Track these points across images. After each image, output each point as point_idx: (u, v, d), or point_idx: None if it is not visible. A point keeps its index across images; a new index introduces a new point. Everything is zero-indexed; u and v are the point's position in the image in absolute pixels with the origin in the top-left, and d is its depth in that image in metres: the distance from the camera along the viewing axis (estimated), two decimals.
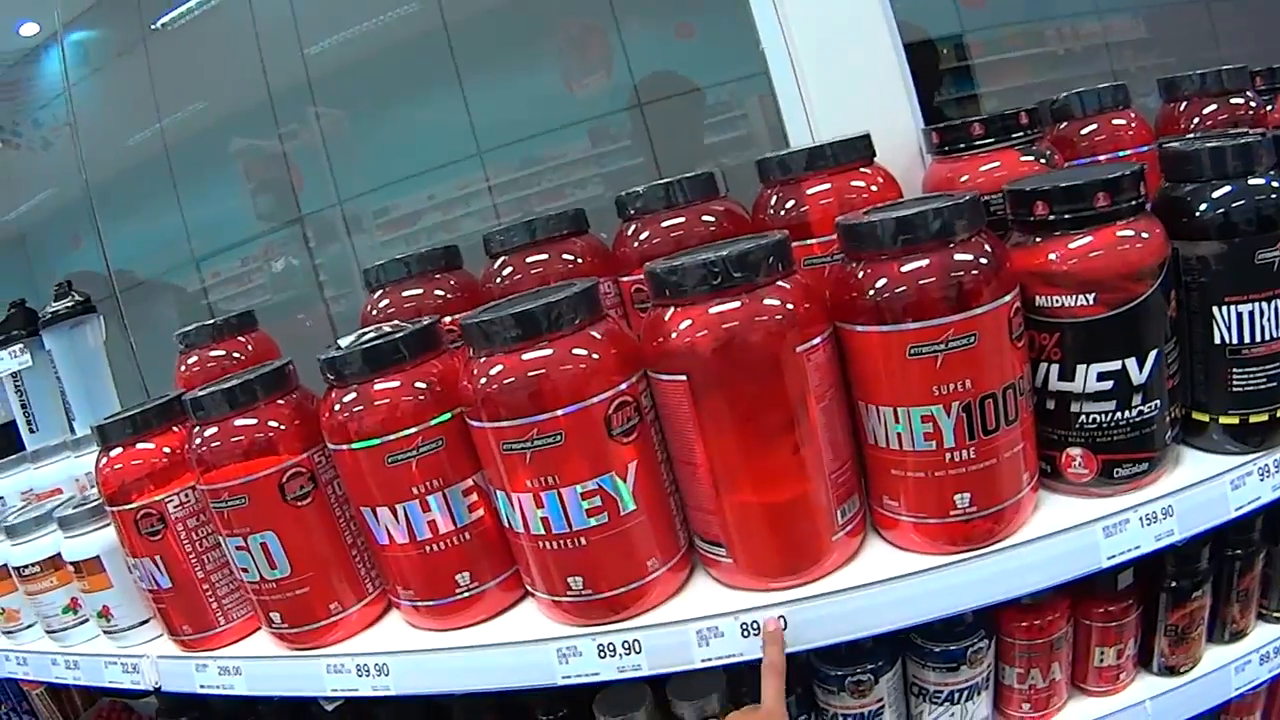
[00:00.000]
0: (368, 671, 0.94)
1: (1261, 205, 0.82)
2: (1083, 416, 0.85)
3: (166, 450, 1.05)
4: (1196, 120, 1.15)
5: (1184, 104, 1.17)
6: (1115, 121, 1.09)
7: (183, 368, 1.17)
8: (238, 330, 1.18)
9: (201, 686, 1.07)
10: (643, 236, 0.97)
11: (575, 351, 0.80)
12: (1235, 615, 1.02)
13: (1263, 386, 0.86)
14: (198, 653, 1.07)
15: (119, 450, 1.05)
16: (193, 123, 1.61)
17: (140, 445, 1.05)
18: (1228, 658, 1.01)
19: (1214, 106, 1.16)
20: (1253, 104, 1.16)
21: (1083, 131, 1.09)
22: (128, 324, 1.70)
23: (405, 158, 1.53)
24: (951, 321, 0.76)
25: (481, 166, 1.50)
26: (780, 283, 0.79)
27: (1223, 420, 0.89)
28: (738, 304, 0.77)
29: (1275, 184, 0.83)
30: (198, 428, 0.97)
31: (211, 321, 1.16)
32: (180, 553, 1.04)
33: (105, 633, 1.18)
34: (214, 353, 1.16)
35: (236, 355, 1.16)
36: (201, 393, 0.97)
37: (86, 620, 1.21)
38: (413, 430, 0.86)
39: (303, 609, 0.96)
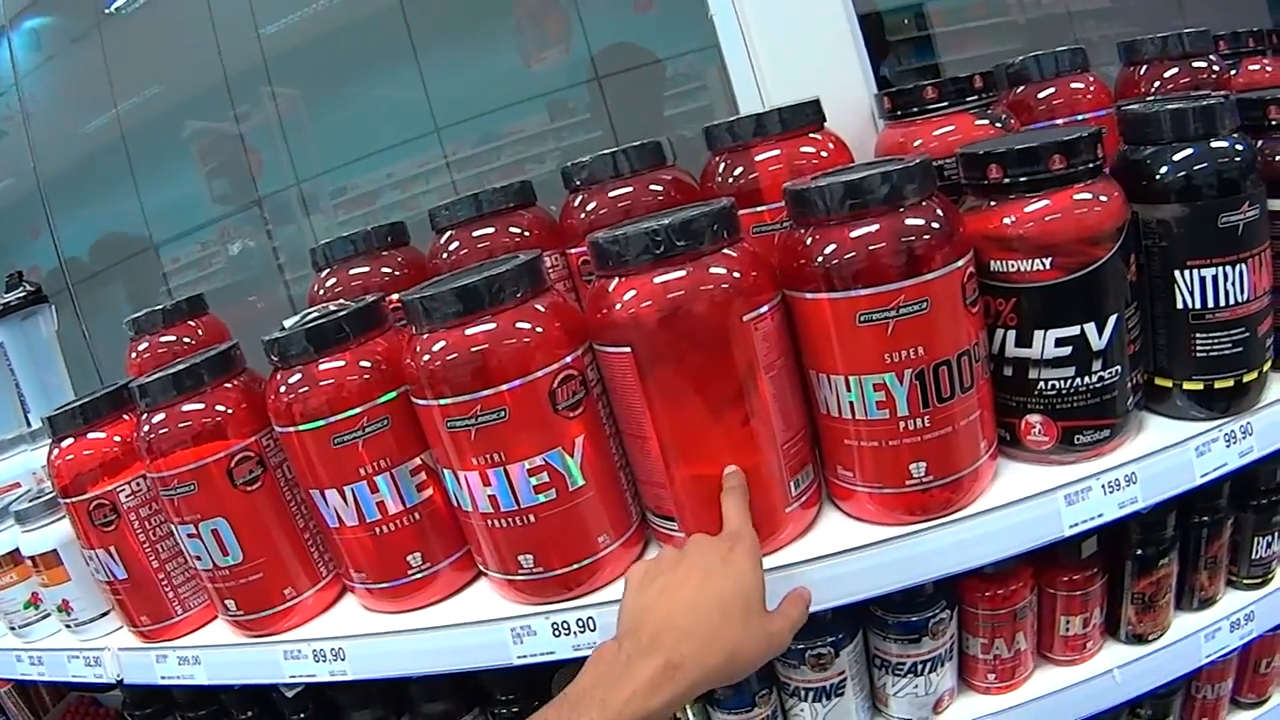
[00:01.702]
0: (324, 656, 0.91)
1: (1224, 168, 0.80)
2: (1041, 383, 0.82)
3: (117, 439, 1.01)
4: (1157, 84, 1.12)
5: (1144, 68, 1.13)
6: (1073, 85, 1.05)
7: (133, 355, 1.13)
8: (188, 315, 1.15)
9: (162, 677, 1.05)
10: (589, 207, 0.94)
11: (518, 325, 0.76)
12: (1204, 582, 0.99)
13: (1227, 352, 0.84)
14: (157, 643, 1.04)
15: (70, 441, 1.02)
16: (148, 107, 1.57)
17: (91, 435, 1.02)
18: (1197, 625, 0.98)
19: (1175, 70, 1.12)
20: (1215, 68, 1.13)
21: (1040, 95, 1.05)
22: (80, 313, 1.66)
23: (362, 136, 1.50)
24: (902, 287, 0.73)
25: (439, 143, 1.47)
26: (726, 250, 0.76)
27: (1186, 386, 0.86)
28: (682, 273, 0.74)
29: (1238, 146, 0.80)
30: (145, 414, 0.94)
31: (160, 307, 1.13)
32: (134, 543, 1.01)
33: (66, 626, 1.15)
34: (164, 338, 1.13)
35: (187, 340, 1.13)
36: (147, 379, 0.94)
37: (48, 615, 1.18)
38: (357, 410, 0.83)
39: (257, 595, 0.93)
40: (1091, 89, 1.06)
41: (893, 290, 0.73)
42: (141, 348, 1.13)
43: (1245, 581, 1.03)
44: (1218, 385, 0.85)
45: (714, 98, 1.40)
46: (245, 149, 1.50)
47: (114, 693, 1.33)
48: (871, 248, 0.73)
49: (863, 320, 0.74)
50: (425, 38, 1.45)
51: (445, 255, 0.98)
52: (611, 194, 0.93)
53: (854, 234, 0.74)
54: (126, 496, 1.00)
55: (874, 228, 0.74)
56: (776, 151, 0.90)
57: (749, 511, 0.76)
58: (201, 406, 0.92)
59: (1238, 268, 0.81)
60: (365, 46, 1.53)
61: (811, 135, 0.92)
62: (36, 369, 1.43)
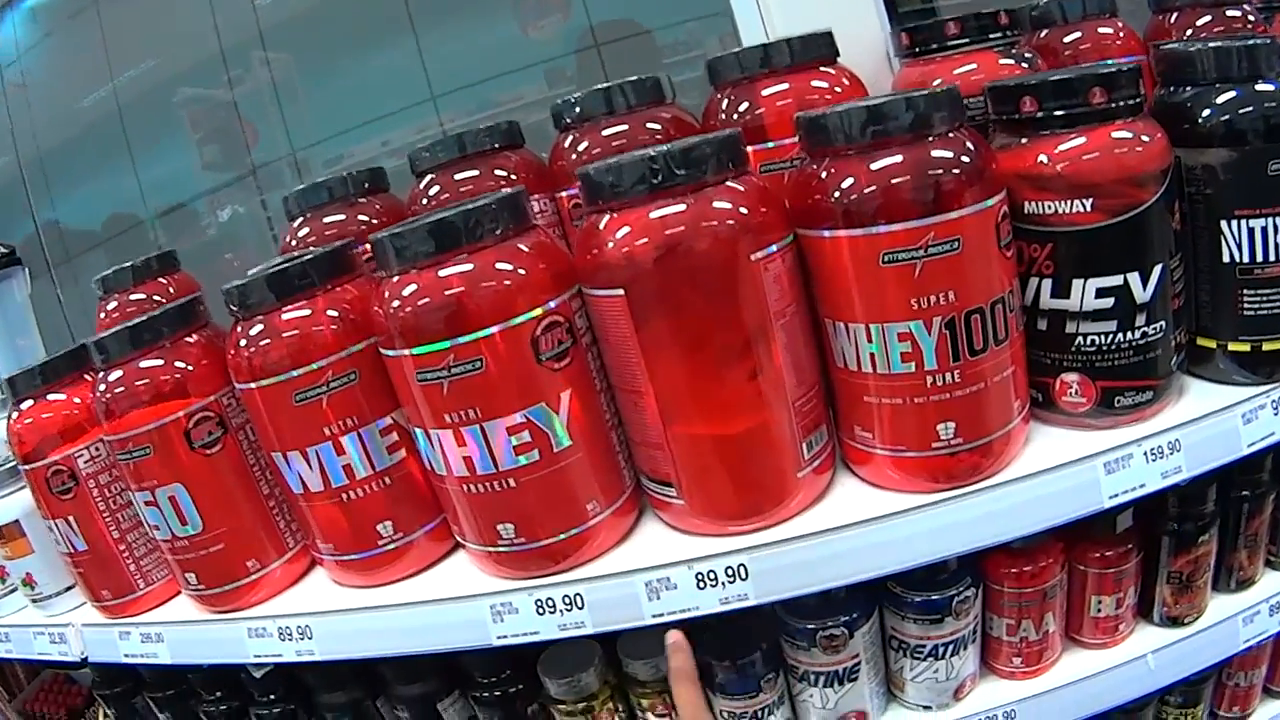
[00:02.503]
0: (290, 635, 0.81)
1: (1273, 112, 0.69)
2: (1079, 338, 0.71)
3: (77, 401, 0.91)
4: (1189, 32, 1.01)
5: (1175, 15, 1.02)
6: (1101, 30, 0.95)
7: (102, 314, 1.03)
8: (159, 272, 1.04)
9: (126, 656, 0.95)
10: (581, 147, 0.82)
11: (498, 266, 0.66)
12: (1243, 562, 0.89)
13: (1277, 311, 0.73)
14: (120, 619, 0.94)
15: (30, 404, 0.92)
16: (145, 80, 1.48)
17: (51, 397, 0.92)
18: (1235, 608, 0.88)
19: (1208, 19, 1.01)
20: (1250, 18, 1.02)
21: (1065, 39, 0.95)
22: (56, 280, 1.56)
23: (358, 104, 1.40)
24: (932, 224, 0.62)
25: (435, 111, 1.37)
26: (731, 183, 0.65)
27: (1232, 347, 0.76)
28: (682, 207, 0.63)
29: None
30: (102, 373, 0.83)
31: (130, 264, 1.02)
32: (94, 512, 0.90)
33: (32, 601, 1.05)
34: (134, 296, 1.02)
35: (158, 298, 1.02)
36: (104, 334, 0.83)
37: (15, 589, 1.08)
38: (322, 363, 0.72)
39: (219, 568, 0.83)
40: (1121, 34, 0.96)
41: (921, 227, 0.62)
42: (110, 307, 1.03)
43: None
44: (1265, 347, 0.75)
45: None
46: (240, 118, 1.40)
47: (86, 670, 1.23)
48: (896, 180, 0.63)
49: (886, 261, 0.63)
50: (422, 5, 1.35)
51: (425, 200, 0.87)
52: (605, 132, 0.82)
53: (877, 165, 0.63)
54: (85, 463, 0.90)
55: (898, 158, 0.63)
56: (785, 85, 0.79)
57: (703, 697, 0.69)
58: (159, 363, 0.81)
59: None
60: (361, 14, 1.43)
61: (823, 69, 0.80)
62: (9, 333, 1.33)
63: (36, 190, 1.59)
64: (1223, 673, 0.97)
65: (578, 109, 0.83)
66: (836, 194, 0.64)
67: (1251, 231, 0.72)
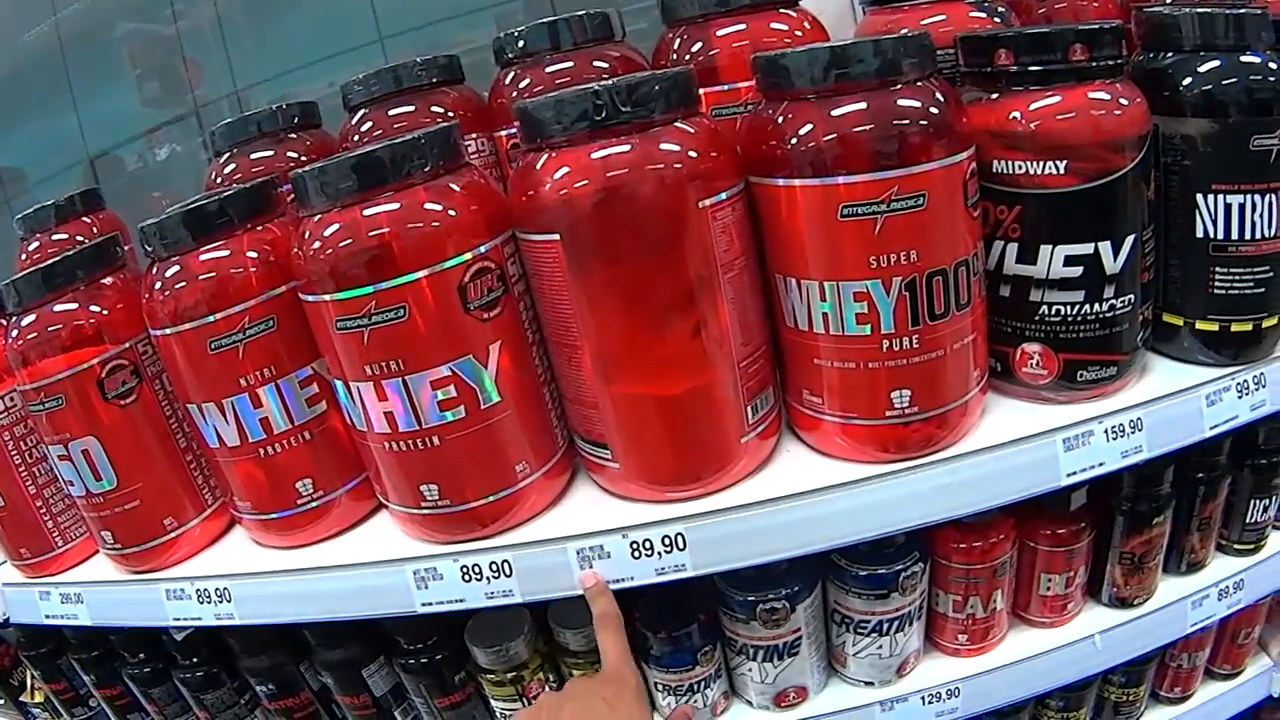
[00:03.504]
0: (209, 597, 0.74)
1: (1259, 85, 0.63)
2: (1044, 307, 0.66)
3: None
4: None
5: None
6: None
7: (23, 255, 0.93)
8: (83, 211, 0.94)
9: (47, 616, 0.87)
10: (523, 84, 0.75)
11: (426, 206, 0.58)
12: (1195, 545, 0.84)
13: (1248, 292, 0.68)
14: (39, 578, 0.86)
15: None
16: (87, 15, 1.36)
17: None
18: (1184, 591, 0.83)
19: None
20: None
21: None
22: None
23: (305, 44, 1.30)
24: (896, 177, 0.56)
25: (384, 53, 1.27)
26: (681, 124, 0.58)
27: (1199, 326, 0.71)
28: (626, 148, 0.56)
29: (1274, 64, 0.64)
30: (14, 317, 0.75)
31: (52, 202, 0.92)
32: (9, 465, 0.82)
33: None
34: (57, 236, 0.93)
35: (81, 239, 0.92)
36: (16, 276, 0.74)
37: None
38: (238, 309, 0.64)
39: (136, 525, 0.75)
40: None
41: (884, 180, 0.56)
42: (32, 248, 0.94)
43: (1237, 547, 0.88)
44: (1234, 328, 0.70)
45: None
46: (183, 56, 1.30)
47: (9, 630, 1.15)
48: (859, 128, 0.56)
49: (845, 215, 0.57)
50: None
51: (356, 137, 0.79)
52: (549, 69, 0.74)
53: (839, 111, 0.57)
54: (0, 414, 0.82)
55: (863, 105, 0.56)
56: (742, 26, 0.71)
57: (627, 643, 0.64)
58: (73, 307, 0.73)
59: (1268, 198, 0.66)
60: None
61: (783, 11, 0.73)
62: None
63: None
64: (1166, 654, 0.94)
65: (521, 43, 0.74)
66: (794, 140, 0.57)
67: (1228, 207, 0.67)
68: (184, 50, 1.30)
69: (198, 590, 0.74)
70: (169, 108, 1.33)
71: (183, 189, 1.37)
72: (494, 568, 0.64)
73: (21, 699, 1.05)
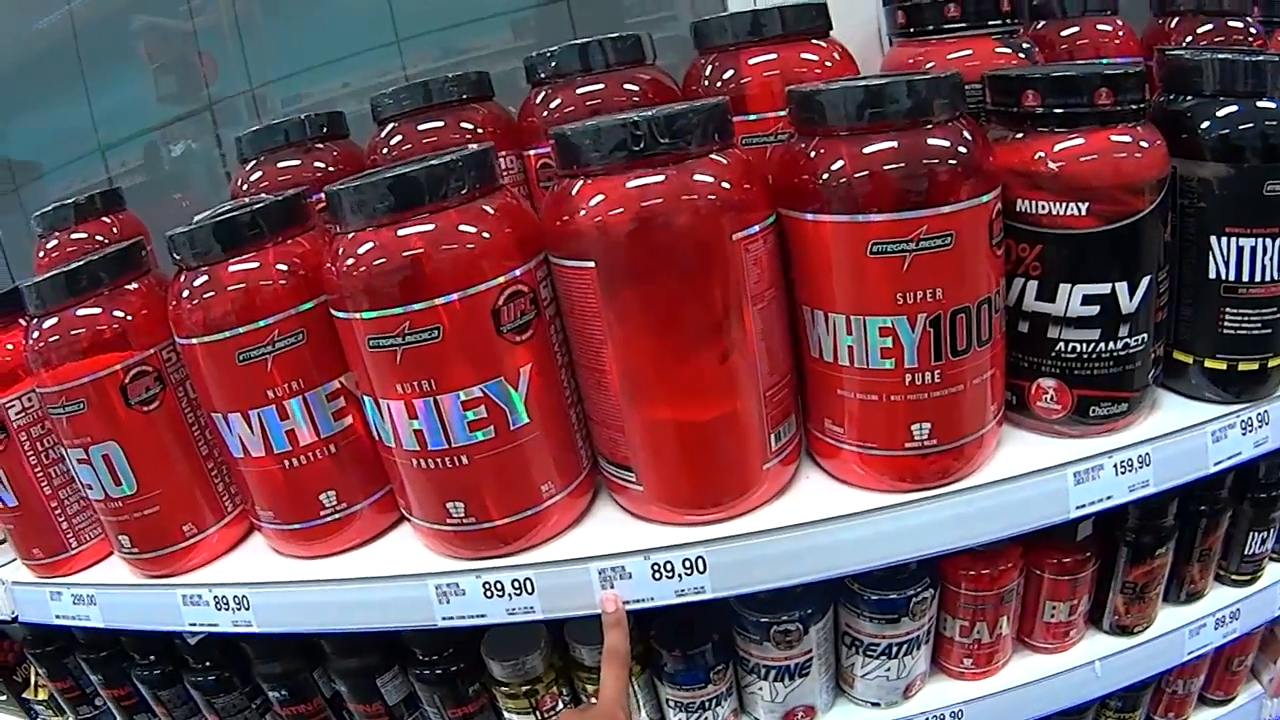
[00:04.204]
0: (227, 604, 0.74)
1: (1272, 132, 0.65)
2: (1061, 344, 0.67)
3: (10, 347, 0.82)
4: (1189, 39, 0.97)
5: (1176, 20, 0.97)
6: (1100, 27, 0.90)
7: (41, 254, 0.93)
8: (103, 211, 0.94)
9: (57, 617, 0.87)
10: (554, 104, 0.75)
11: (461, 228, 0.59)
12: (1195, 575, 0.86)
13: (1256, 332, 0.70)
14: (51, 579, 0.86)
15: None
16: (102, 5, 1.35)
17: None
18: (1183, 620, 0.85)
19: (1209, 27, 0.97)
20: (1252, 30, 0.97)
21: (1063, 33, 0.90)
22: None
23: (321, 44, 1.29)
24: (925, 217, 0.57)
25: (399, 55, 1.27)
26: (716, 156, 0.59)
27: (1208, 364, 0.72)
28: (662, 178, 0.57)
29: None
30: (36, 319, 0.75)
31: (72, 201, 0.92)
32: (25, 466, 0.82)
33: None
34: (75, 235, 0.93)
35: (101, 239, 0.93)
36: (38, 278, 0.75)
37: None
38: (268, 321, 0.65)
39: (154, 531, 0.75)
40: (1120, 34, 0.90)
41: (915, 219, 0.57)
42: (50, 246, 0.93)
43: (1234, 577, 0.90)
44: (1241, 367, 0.72)
45: (682, 28, 1.23)
46: (199, 51, 1.29)
47: (16, 625, 1.15)
48: (890, 166, 0.57)
49: (875, 251, 0.58)
50: None
51: (385, 150, 0.79)
52: (580, 91, 0.75)
53: (871, 149, 0.58)
54: (17, 414, 0.81)
55: (895, 144, 0.58)
56: (774, 56, 0.72)
57: (628, 683, 0.64)
58: (96, 311, 0.73)
59: (1278, 241, 0.67)
60: None
61: (815, 42, 0.74)
62: None
63: None
64: (1163, 680, 0.95)
65: (553, 63, 0.75)
66: (826, 176, 0.59)
67: (1240, 250, 0.68)
68: (200, 46, 1.29)
69: (216, 597, 0.75)
70: (184, 103, 1.32)
71: (199, 185, 1.37)
72: (516, 585, 0.65)
73: (25, 696, 1.05)
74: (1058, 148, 0.64)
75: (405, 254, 0.58)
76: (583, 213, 0.58)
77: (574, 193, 0.59)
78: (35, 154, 1.46)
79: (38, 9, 1.39)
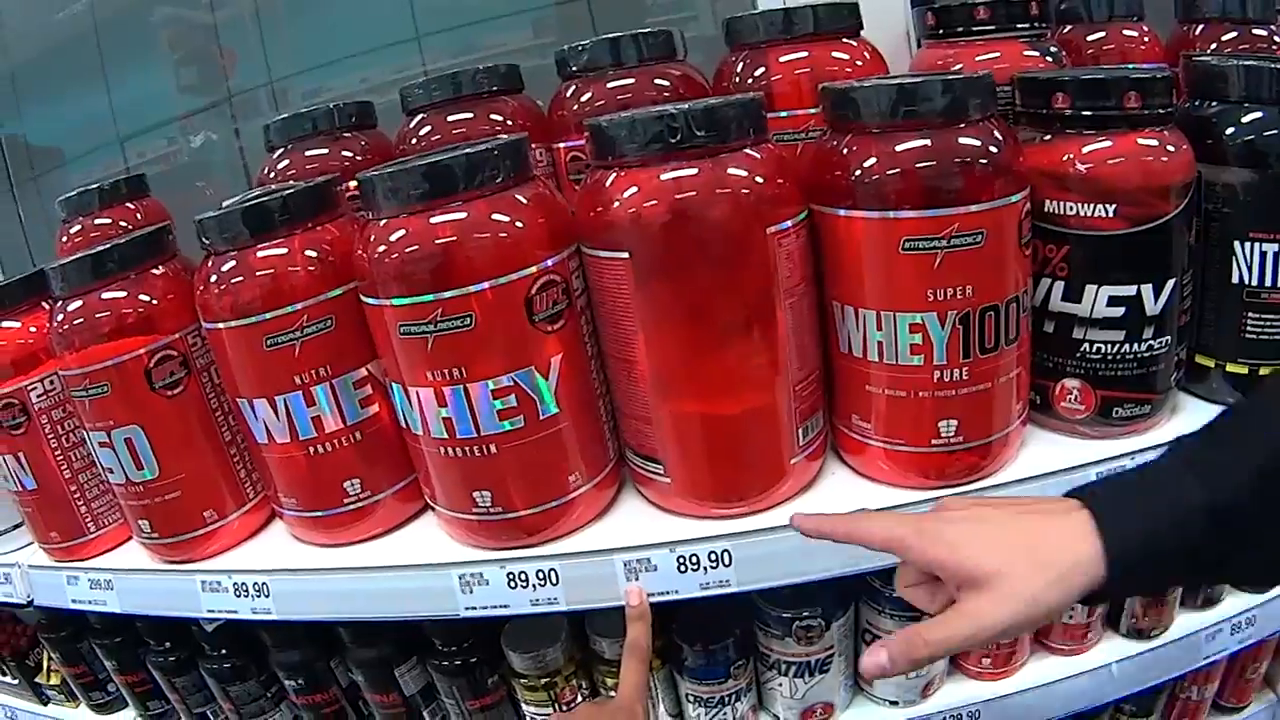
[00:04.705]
0: (246, 591, 0.75)
1: None
2: (1085, 345, 0.68)
3: (33, 330, 0.83)
4: (1214, 46, 0.98)
5: (1201, 27, 0.98)
6: (1126, 32, 0.91)
7: (64, 239, 0.94)
8: (127, 196, 0.95)
9: (74, 601, 0.87)
10: (584, 98, 0.76)
11: (494, 217, 0.59)
12: None
13: (1277, 337, 0.70)
14: (68, 562, 0.87)
15: None
16: None
17: (4, 324, 0.83)
18: (1199, 624, 0.85)
19: (1234, 34, 0.97)
20: (1277, 38, 0.98)
21: (1089, 38, 0.90)
22: (18, 196, 1.44)
23: (342, 38, 1.30)
24: (958, 214, 0.58)
25: (419, 51, 1.28)
26: (750, 150, 0.60)
27: (1230, 368, 0.73)
28: (696, 170, 0.58)
29: None
30: (60, 302, 0.75)
31: (96, 186, 0.93)
32: (45, 449, 0.82)
33: None
34: (99, 220, 0.93)
35: (125, 224, 0.93)
36: (63, 260, 0.75)
37: None
38: (297, 307, 0.65)
39: (175, 516, 0.76)
40: (1146, 39, 0.91)
41: (947, 216, 0.58)
42: (74, 230, 0.94)
43: None
44: (1262, 371, 0.72)
45: (703, 28, 1.23)
46: (219, 44, 1.30)
47: (31, 610, 1.16)
48: (924, 164, 0.58)
49: (906, 248, 0.58)
50: None
51: (414, 140, 0.80)
52: (610, 85, 0.75)
53: (905, 146, 0.58)
54: (38, 397, 0.82)
55: (929, 142, 0.58)
56: (805, 54, 0.73)
57: (647, 678, 0.65)
58: (122, 295, 0.74)
59: None
60: None
61: (845, 41, 0.75)
62: None
63: (5, 103, 1.47)
64: (1177, 686, 0.96)
65: (585, 57, 0.76)
66: (858, 172, 0.59)
67: (1264, 255, 0.69)
68: (220, 39, 1.30)
69: (235, 583, 0.75)
70: (204, 95, 1.33)
71: (219, 176, 1.38)
72: (540, 576, 0.65)
73: (37, 680, 1.05)
74: (1086, 150, 0.65)
75: (438, 241, 0.59)
76: (617, 204, 0.59)
77: (609, 184, 0.60)
78: (55, 140, 1.47)
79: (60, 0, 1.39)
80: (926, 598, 0.53)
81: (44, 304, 0.84)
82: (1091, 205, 0.65)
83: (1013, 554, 0.47)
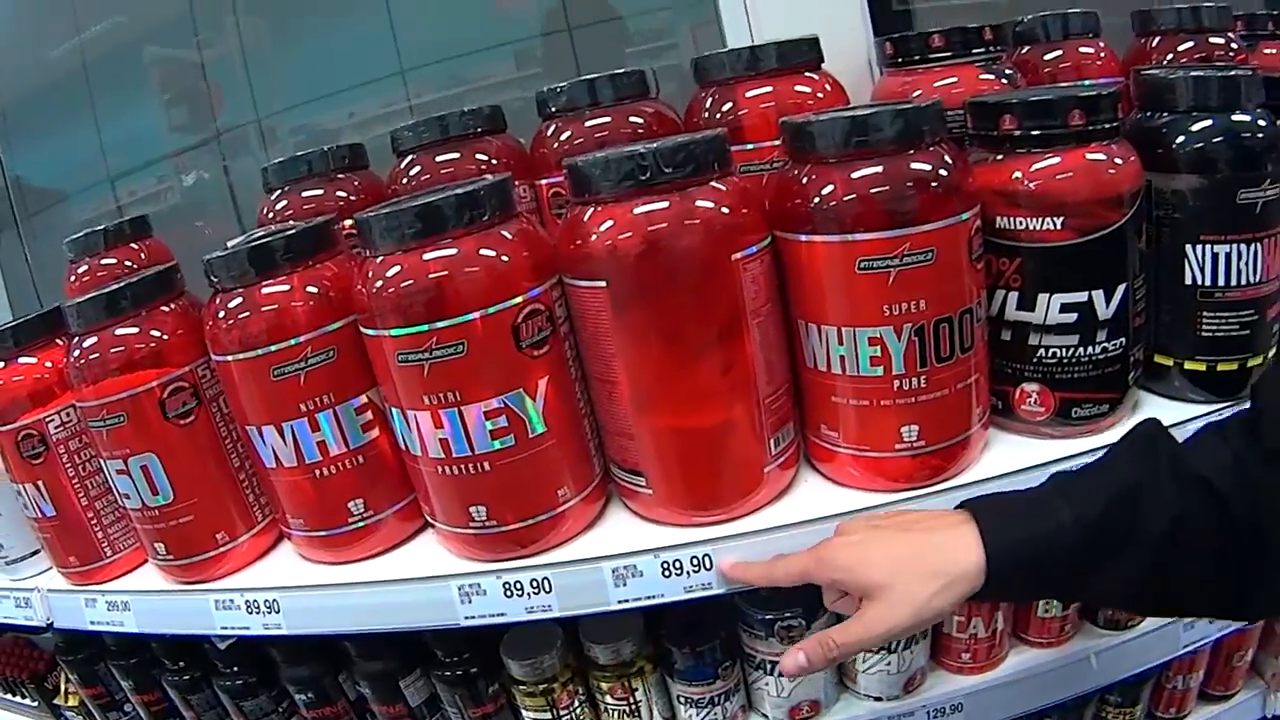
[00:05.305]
0: (258, 608, 0.81)
1: (1246, 142, 0.72)
2: (1041, 350, 0.74)
3: (49, 365, 0.90)
4: (1170, 57, 1.04)
5: (1158, 39, 1.05)
6: (1083, 49, 0.97)
7: (72, 278, 1.01)
8: (131, 237, 1.02)
9: (92, 623, 0.94)
10: (564, 136, 0.83)
11: (482, 252, 0.66)
12: None
13: (1234, 333, 0.76)
14: (86, 586, 0.93)
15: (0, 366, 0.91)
16: (112, 36, 1.43)
17: (22, 360, 0.90)
18: None
19: (1190, 44, 1.04)
20: (1233, 46, 1.04)
21: (1046, 57, 0.97)
22: (23, 237, 1.51)
23: (327, 74, 1.37)
24: (908, 235, 0.64)
25: (404, 85, 1.35)
26: (715, 184, 0.66)
27: (1188, 366, 0.79)
28: (666, 204, 0.64)
29: (1262, 121, 0.72)
30: (76, 338, 0.82)
31: (102, 228, 1.00)
32: (63, 478, 0.89)
33: None
34: (105, 261, 1.00)
35: (129, 264, 1.00)
36: (80, 299, 0.82)
37: None
38: (301, 339, 0.72)
39: (188, 538, 0.82)
40: (1102, 55, 0.98)
41: (897, 237, 0.64)
42: (81, 270, 1.01)
43: None
44: (1220, 368, 0.78)
45: (683, 56, 1.30)
46: (207, 82, 1.37)
47: (47, 635, 1.21)
48: (876, 190, 0.64)
49: (862, 268, 0.65)
50: None
51: (405, 180, 0.87)
52: (588, 123, 0.82)
53: (858, 174, 0.65)
54: (55, 428, 0.88)
55: (879, 168, 0.65)
56: (770, 89, 0.80)
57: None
58: (135, 330, 0.80)
59: (1253, 247, 0.74)
60: None
61: (808, 75, 0.82)
62: None
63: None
64: (1162, 675, 1.01)
65: (564, 98, 0.83)
66: (816, 200, 0.66)
67: (1215, 256, 0.75)
68: (207, 76, 1.37)
69: (247, 601, 0.81)
70: (194, 133, 1.40)
71: (211, 214, 1.44)
72: (534, 584, 0.71)
73: (56, 702, 1.11)
74: (1034, 167, 0.71)
75: (432, 276, 0.65)
76: (594, 237, 0.65)
77: (586, 219, 0.66)
78: (50, 181, 1.54)
79: (51, 40, 1.46)
80: (851, 607, 0.63)
81: (58, 340, 0.92)
82: (1040, 219, 0.71)
83: (899, 566, 0.57)
